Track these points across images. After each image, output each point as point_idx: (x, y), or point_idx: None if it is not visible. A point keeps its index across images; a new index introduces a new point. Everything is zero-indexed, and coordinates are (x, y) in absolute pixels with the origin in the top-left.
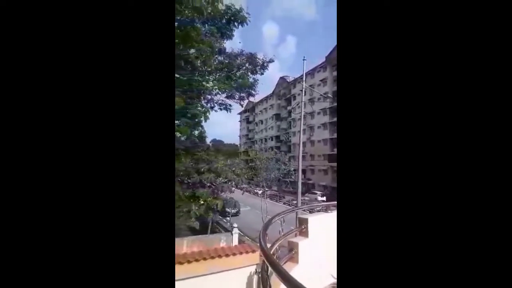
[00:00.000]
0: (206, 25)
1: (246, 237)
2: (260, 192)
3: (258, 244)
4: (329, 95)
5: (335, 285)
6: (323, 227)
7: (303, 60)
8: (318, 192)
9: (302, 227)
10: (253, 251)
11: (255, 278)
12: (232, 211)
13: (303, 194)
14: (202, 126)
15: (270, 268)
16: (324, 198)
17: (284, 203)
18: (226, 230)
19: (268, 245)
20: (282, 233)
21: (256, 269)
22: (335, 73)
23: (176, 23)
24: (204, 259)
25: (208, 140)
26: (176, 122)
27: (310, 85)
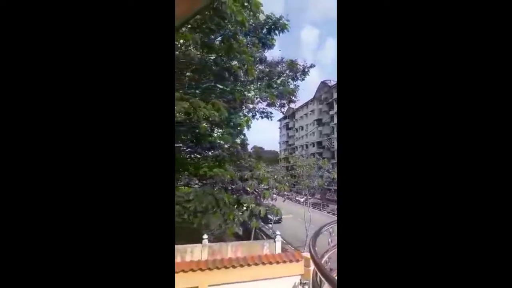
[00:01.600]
0: (248, 36)
1: (289, 245)
2: (302, 200)
3: (303, 253)
4: None
5: None
6: None
7: None
8: None
9: None
10: (297, 261)
11: None
12: (274, 218)
13: None
14: (244, 134)
15: (323, 280)
16: None
17: (328, 212)
18: (269, 237)
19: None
20: (332, 244)
21: (300, 280)
22: None
23: (220, 37)
24: (249, 265)
25: (249, 147)
26: (220, 131)
27: None
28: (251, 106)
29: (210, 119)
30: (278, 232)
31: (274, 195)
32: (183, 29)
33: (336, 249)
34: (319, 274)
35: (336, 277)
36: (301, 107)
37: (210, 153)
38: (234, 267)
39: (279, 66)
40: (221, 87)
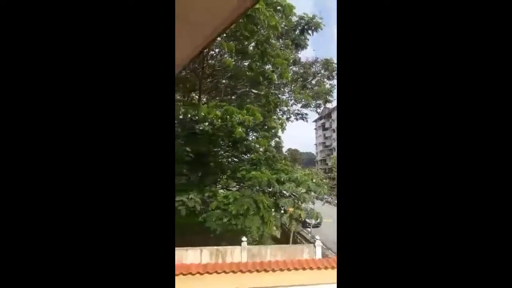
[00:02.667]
0: (281, 39)
1: (330, 251)
2: None
3: None
4: None
5: None
6: None
7: None
8: None
9: None
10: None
11: None
12: (314, 222)
13: None
14: (279, 137)
15: None
16: None
17: None
18: (308, 242)
19: None
20: None
21: None
22: None
23: (253, 43)
24: (288, 269)
25: (284, 150)
26: (255, 134)
27: None
28: (285, 108)
29: (245, 123)
30: (317, 237)
31: (314, 199)
32: (218, 38)
33: None
34: None
35: None
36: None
37: (246, 156)
38: (274, 270)
39: (314, 66)
40: (255, 91)
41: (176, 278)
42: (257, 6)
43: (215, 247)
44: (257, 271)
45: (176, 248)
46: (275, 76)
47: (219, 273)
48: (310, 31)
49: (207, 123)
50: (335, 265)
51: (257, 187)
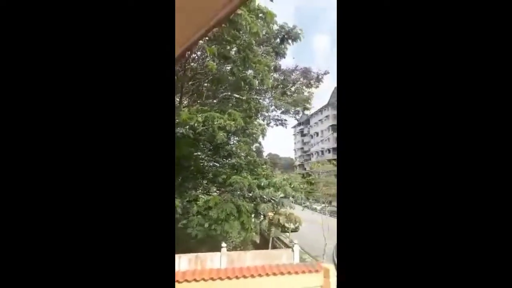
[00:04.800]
0: (262, 46)
1: (307, 255)
2: (319, 208)
3: (322, 263)
4: None
5: None
6: None
7: None
8: None
9: None
10: (317, 271)
11: None
12: (292, 226)
13: None
14: (259, 142)
15: None
16: None
17: None
18: (286, 246)
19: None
20: None
21: None
22: None
23: (235, 48)
24: (267, 275)
25: (264, 154)
26: (236, 139)
27: None
28: (266, 114)
29: (227, 128)
30: (295, 241)
31: (292, 203)
32: (201, 41)
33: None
34: None
35: None
36: (316, 113)
37: (227, 161)
38: (253, 276)
39: (294, 74)
40: (237, 96)
41: None
42: (239, 11)
43: (195, 254)
44: (236, 277)
45: None
46: (257, 82)
47: (198, 280)
48: (290, 41)
49: (188, 127)
50: (312, 269)
51: (238, 192)
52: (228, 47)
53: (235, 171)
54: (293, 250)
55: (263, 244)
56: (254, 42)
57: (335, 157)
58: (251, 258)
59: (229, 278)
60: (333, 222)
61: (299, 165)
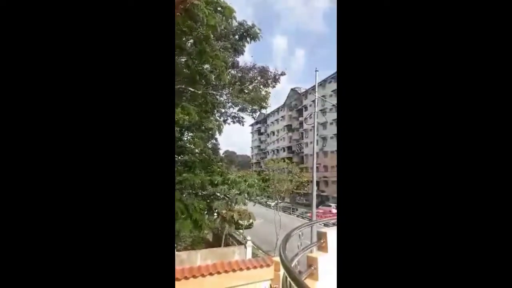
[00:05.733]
0: (220, 41)
1: (260, 250)
2: (272, 204)
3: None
4: None
5: None
6: None
7: (316, 71)
8: (333, 205)
9: (321, 241)
10: (267, 265)
11: None
12: (245, 223)
13: (316, 206)
14: (216, 139)
15: (293, 284)
16: None
17: (298, 216)
18: (239, 243)
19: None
20: (301, 248)
21: (270, 285)
22: None
23: (192, 40)
24: (219, 273)
25: (221, 152)
26: (190, 135)
27: (322, 96)
28: (222, 110)
29: (180, 122)
30: (248, 238)
31: (246, 200)
32: None
33: (304, 252)
34: (288, 278)
35: (304, 281)
36: (273, 113)
37: (179, 157)
38: (203, 276)
39: (251, 72)
40: (192, 90)
41: None
42: (196, 2)
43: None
44: (186, 278)
45: None
46: (213, 77)
47: None
48: (248, 39)
49: None
50: (263, 264)
51: (189, 190)
52: (184, 38)
53: (188, 168)
54: (245, 247)
55: (216, 242)
56: (211, 36)
57: (289, 155)
58: (202, 257)
59: (177, 279)
60: (284, 218)
61: (255, 162)
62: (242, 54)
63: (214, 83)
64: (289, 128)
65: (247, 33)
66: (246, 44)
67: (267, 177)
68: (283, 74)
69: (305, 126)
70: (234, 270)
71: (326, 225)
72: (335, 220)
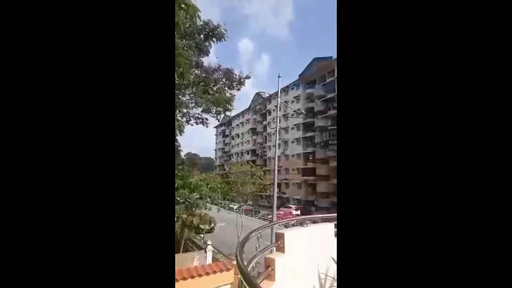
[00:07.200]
0: (184, 39)
1: (221, 254)
2: (235, 207)
3: (233, 261)
4: (302, 111)
5: None
6: (300, 242)
7: (278, 77)
8: (293, 206)
9: (279, 242)
10: (227, 269)
11: None
12: (207, 227)
13: (278, 208)
14: (176, 140)
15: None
16: (299, 212)
17: (260, 218)
18: (200, 248)
19: (245, 263)
20: (259, 249)
21: None
22: (307, 91)
23: None
24: (176, 281)
25: (182, 154)
26: None
27: (285, 101)
28: (185, 110)
29: None
30: (209, 242)
31: (208, 204)
32: None
33: (263, 254)
34: (243, 281)
35: (262, 282)
36: (237, 115)
37: None
38: None
39: (216, 74)
40: None
41: None
42: None
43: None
44: None
45: None
46: (176, 76)
47: None
48: (214, 39)
49: None
50: (223, 268)
51: None
52: None
53: None
54: (206, 251)
55: (175, 247)
56: (175, 33)
57: (253, 158)
58: None
59: None
60: (246, 220)
61: (219, 165)
62: (207, 54)
63: (177, 81)
64: (254, 131)
65: (213, 33)
66: (212, 44)
67: (230, 180)
68: (248, 77)
69: (268, 130)
70: (192, 277)
71: (286, 226)
72: (295, 221)
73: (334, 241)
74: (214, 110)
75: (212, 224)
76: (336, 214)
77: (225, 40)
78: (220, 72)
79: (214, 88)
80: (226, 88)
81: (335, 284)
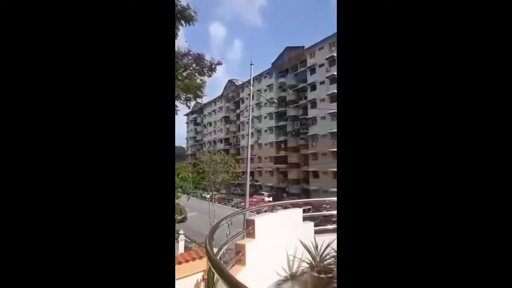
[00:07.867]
0: None
1: (194, 243)
2: (208, 196)
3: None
4: (275, 100)
5: (280, 282)
6: (270, 227)
7: (251, 65)
8: (265, 193)
9: (249, 229)
10: (200, 258)
11: (202, 285)
12: (178, 217)
13: (250, 195)
14: None
15: (216, 274)
16: (271, 199)
17: (233, 206)
18: None
19: (216, 250)
20: (230, 236)
21: (203, 276)
22: (280, 80)
23: None
24: None
25: None
26: None
27: (258, 90)
28: None
29: None
30: (181, 232)
31: (179, 194)
32: None
33: (233, 240)
34: (211, 268)
35: (232, 266)
36: (209, 103)
37: None
38: None
39: (186, 59)
40: None
41: None
42: None
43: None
44: None
45: None
46: None
47: None
48: (182, 21)
49: None
50: (196, 256)
51: None
52: None
53: None
54: (177, 241)
55: None
56: (175, 33)
57: (226, 147)
58: None
59: None
60: (219, 209)
61: (191, 154)
62: (175, 38)
63: None
64: (227, 119)
65: (181, 15)
66: (180, 27)
67: (202, 169)
68: (219, 63)
69: (241, 118)
70: None
71: (258, 212)
72: (266, 208)
73: (301, 225)
74: (183, 97)
75: (184, 214)
76: (305, 200)
77: (194, 23)
78: (190, 57)
79: (184, 74)
80: (197, 74)
81: (303, 264)
